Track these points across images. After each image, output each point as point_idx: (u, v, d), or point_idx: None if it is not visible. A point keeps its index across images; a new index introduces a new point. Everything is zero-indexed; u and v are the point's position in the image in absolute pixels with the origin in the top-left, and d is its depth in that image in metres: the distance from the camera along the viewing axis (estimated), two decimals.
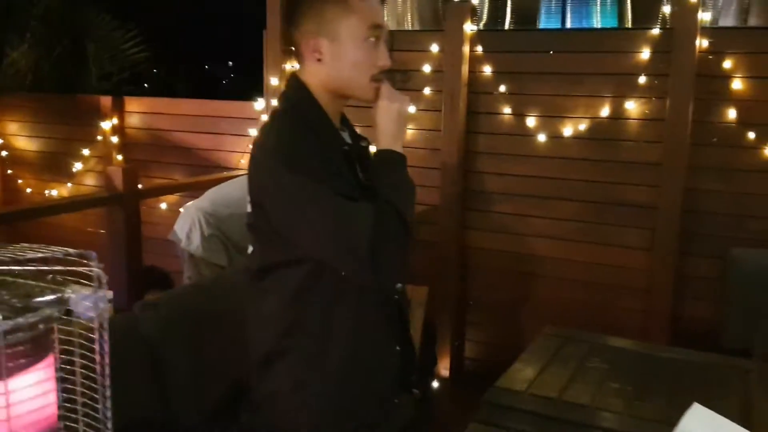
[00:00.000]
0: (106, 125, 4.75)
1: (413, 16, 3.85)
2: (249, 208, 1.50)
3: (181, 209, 3.48)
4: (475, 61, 3.54)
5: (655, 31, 3.18)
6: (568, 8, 3.64)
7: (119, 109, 4.78)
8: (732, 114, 3.09)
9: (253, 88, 4.33)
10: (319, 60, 1.48)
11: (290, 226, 1.41)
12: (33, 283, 0.87)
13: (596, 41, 3.35)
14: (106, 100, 4.78)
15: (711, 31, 3.09)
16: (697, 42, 3.05)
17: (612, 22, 3.57)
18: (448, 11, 3.59)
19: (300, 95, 1.51)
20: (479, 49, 3.54)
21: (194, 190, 3.85)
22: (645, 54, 3.19)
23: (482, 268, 3.65)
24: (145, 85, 8.63)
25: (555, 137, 3.42)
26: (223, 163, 4.45)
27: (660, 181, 3.21)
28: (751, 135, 3.07)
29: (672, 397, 1.93)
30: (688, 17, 3.05)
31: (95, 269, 0.91)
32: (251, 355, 1.57)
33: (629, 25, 3.53)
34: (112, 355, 0.93)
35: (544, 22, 3.69)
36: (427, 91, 3.66)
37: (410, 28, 3.86)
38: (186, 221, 3.23)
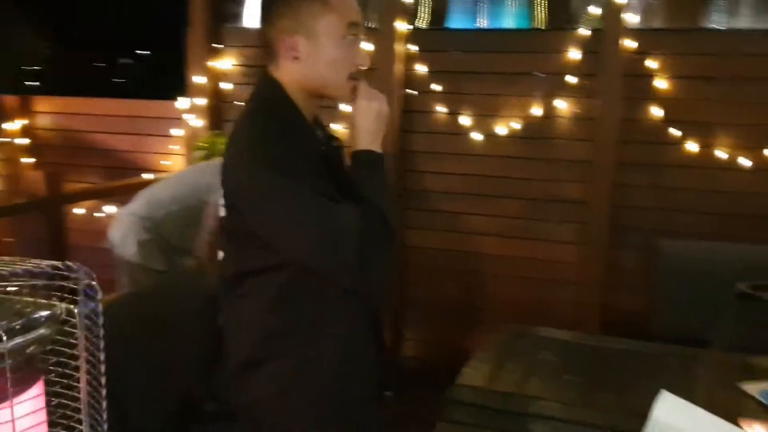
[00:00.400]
0: (12, 126, 4.45)
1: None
2: (222, 212, 1.44)
3: (116, 215, 3.32)
4: (409, 60, 3.55)
5: (584, 32, 3.29)
6: (482, 8, 3.68)
7: (27, 109, 4.50)
8: (657, 112, 3.23)
9: (172, 86, 4.19)
10: (296, 58, 1.44)
11: (272, 230, 1.36)
12: (23, 299, 0.80)
13: (528, 41, 3.44)
14: (10, 100, 4.49)
15: (637, 32, 3.22)
16: (624, 43, 3.18)
17: (524, 23, 3.64)
18: (381, 9, 3.59)
19: (275, 94, 1.46)
20: (413, 47, 3.56)
21: (122, 194, 3.68)
22: (574, 54, 3.30)
23: (421, 266, 3.67)
24: (46, 82, 8.18)
25: (490, 136, 3.48)
26: (143, 165, 4.26)
27: (590, 177, 3.32)
28: (675, 132, 3.23)
29: (624, 386, 2.00)
30: (614, 19, 3.17)
31: (88, 282, 0.85)
32: (227, 363, 1.51)
33: (541, 26, 3.61)
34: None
35: (457, 21, 3.71)
36: None
37: None
38: (120, 227, 3.09)
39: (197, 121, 3.92)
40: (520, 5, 3.63)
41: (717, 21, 3.27)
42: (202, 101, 3.91)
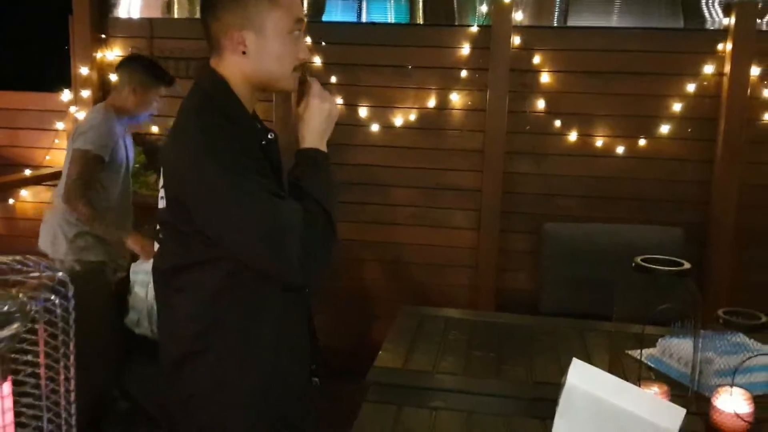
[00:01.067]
0: None
1: None
2: (162, 204, 1.43)
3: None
4: None
5: (474, 28, 3.45)
6: (361, 2, 3.75)
7: None
8: (541, 104, 3.46)
9: (55, 77, 3.98)
10: (243, 53, 1.46)
11: (218, 226, 1.36)
12: None
13: (422, 36, 3.56)
14: None
15: (523, 29, 3.43)
16: (512, 39, 3.38)
17: (404, 18, 3.73)
18: None
19: (219, 89, 1.46)
20: (308, 40, 3.59)
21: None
22: (466, 50, 3.46)
23: None
24: None
25: (387, 127, 3.58)
26: (24, 160, 4.02)
27: (483, 166, 3.51)
28: (558, 123, 3.47)
29: (531, 359, 2.16)
30: (503, 17, 3.36)
31: (60, 274, 0.85)
32: (161, 358, 1.50)
33: (420, 21, 3.73)
34: None
35: (335, 14, 3.74)
36: None
37: None
38: (47, 231, 2.98)
39: (82, 114, 3.76)
40: (404, 1, 3.71)
41: (596, 20, 3.52)
42: (87, 93, 3.75)
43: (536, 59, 3.43)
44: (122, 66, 3.04)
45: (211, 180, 1.34)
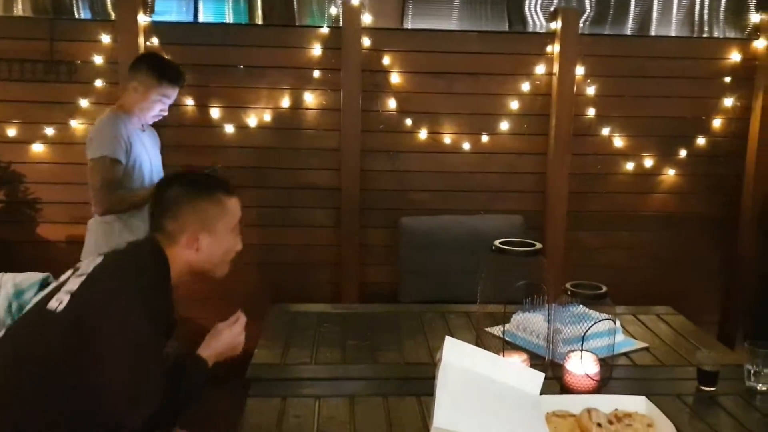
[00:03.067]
0: None
1: (80, 2, 3.57)
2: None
3: None
4: None
5: (325, 29, 3.53)
6: (200, 2, 3.66)
7: None
8: (393, 104, 3.62)
9: None
10: (197, 250, 1.75)
11: (109, 362, 1.52)
12: None
13: (273, 36, 3.57)
14: None
15: (372, 31, 3.56)
16: (362, 41, 3.50)
17: (243, 18, 3.70)
18: (118, 1, 3.46)
19: (162, 270, 1.71)
20: (155, 41, 3.50)
21: None
22: (318, 50, 3.53)
23: None
24: None
25: (241, 128, 3.57)
26: None
27: (340, 164, 3.60)
28: (409, 121, 3.64)
29: (401, 342, 2.28)
30: (352, 18, 3.47)
31: None
32: None
33: (259, 21, 3.67)
34: None
35: (171, 14, 3.64)
36: (99, 83, 3.49)
37: (79, 17, 3.58)
38: (89, 241, 2.92)
39: None
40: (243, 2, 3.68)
41: (438, 23, 3.71)
42: None
43: (386, 60, 3.57)
44: (131, 64, 2.93)
45: (134, 337, 1.55)
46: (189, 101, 3.54)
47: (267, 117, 3.58)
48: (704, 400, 1.91)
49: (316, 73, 3.55)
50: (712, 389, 1.95)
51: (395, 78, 3.60)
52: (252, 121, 3.57)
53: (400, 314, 2.62)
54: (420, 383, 1.87)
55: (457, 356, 1.67)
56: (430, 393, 1.58)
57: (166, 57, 3.12)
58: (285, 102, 3.57)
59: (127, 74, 2.98)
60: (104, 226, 2.87)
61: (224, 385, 2.20)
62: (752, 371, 1.94)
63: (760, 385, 1.94)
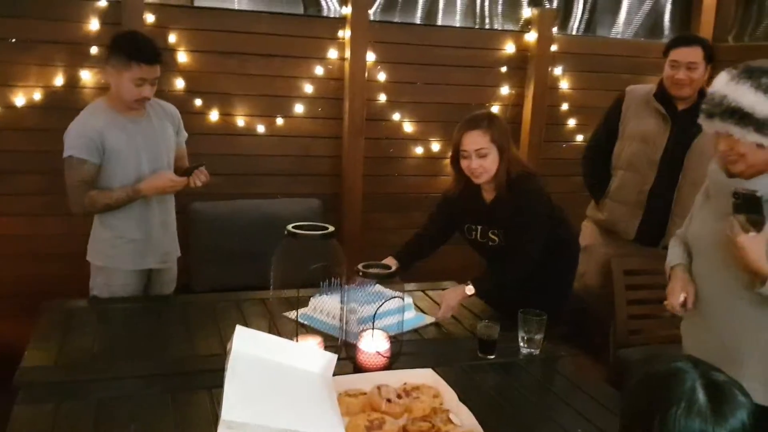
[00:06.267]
0: None
1: None
2: None
3: None
4: None
5: (103, 3, 3.26)
6: None
7: None
8: (181, 84, 3.44)
9: None
10: None
11: None
12: None
13: (42, 7, 3.21)
14: None
15: (155, 6, 3.34)
16: (144, 17, 3.27)
17: None
18: None
19: None
20: None
21: None
22: (95, 25, 3.25)
23: None
24: None
25: (8, 107, 3.19)
26: None
27: None
28: (198, 102, 3.49)
29: (192, 335, 2.19)
30: None
31: None
32: None
33: None
34: None
35: None
36: None
37: None
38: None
39: None
40: None
41: (231, 2, 3.59)
42: None
43: (172, 38, 3.38)
44: (108, 47, 2.60)
45: None
46: None
47: (37, 96, 3.23)
48: (483, 367, 2.04)
49: (94, 50, 3.26)
50: (491, 357, 2.10)
51: (182, 57, 3.42)
52: (19, 100, 3.20)
53: (192, 304, 2.52)
54: (211, 375, 1.79)
55: (248, 345, 1.63)
56: (222, 385, 1.52)
57: (142, 34, 2.69)
58: (58, 80, 3.24)
59: None
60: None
61: None
62: (525, 337, 2.11)
63: (532, 350, 2.11)
